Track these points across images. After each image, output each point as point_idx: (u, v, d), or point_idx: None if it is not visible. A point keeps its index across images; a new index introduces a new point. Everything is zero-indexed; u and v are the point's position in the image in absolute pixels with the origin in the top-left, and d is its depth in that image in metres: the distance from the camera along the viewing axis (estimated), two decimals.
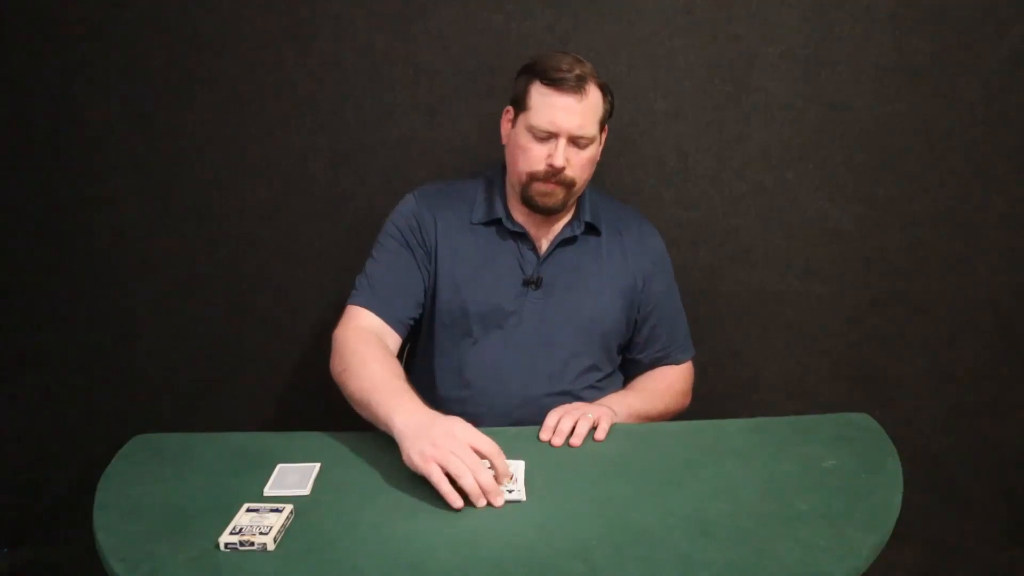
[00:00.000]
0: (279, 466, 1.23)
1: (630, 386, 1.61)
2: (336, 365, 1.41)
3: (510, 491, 1.16)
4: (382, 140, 1.81)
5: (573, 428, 1.33)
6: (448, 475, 1.13)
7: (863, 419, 1.37)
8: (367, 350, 1.39)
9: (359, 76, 1.78)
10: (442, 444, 1.15)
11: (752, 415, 1.41)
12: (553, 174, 1.43)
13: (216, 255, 1.87)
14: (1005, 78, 1.75)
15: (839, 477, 1.19)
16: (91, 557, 1.08)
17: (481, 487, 1.12)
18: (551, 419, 1.35)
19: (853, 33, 1.74)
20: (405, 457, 1.19)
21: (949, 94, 1.76)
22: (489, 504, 1.13)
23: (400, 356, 1.52)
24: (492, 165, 1.60)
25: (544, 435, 1.33)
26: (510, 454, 1.22)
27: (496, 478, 1.15)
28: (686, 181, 1.83)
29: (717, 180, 1.82)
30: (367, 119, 1.80)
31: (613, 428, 1.36)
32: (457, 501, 1.12)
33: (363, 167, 1.82)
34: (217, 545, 1.04)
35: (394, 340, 1.48)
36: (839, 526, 1.07)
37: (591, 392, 1.53)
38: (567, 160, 1.42)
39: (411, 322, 1.52)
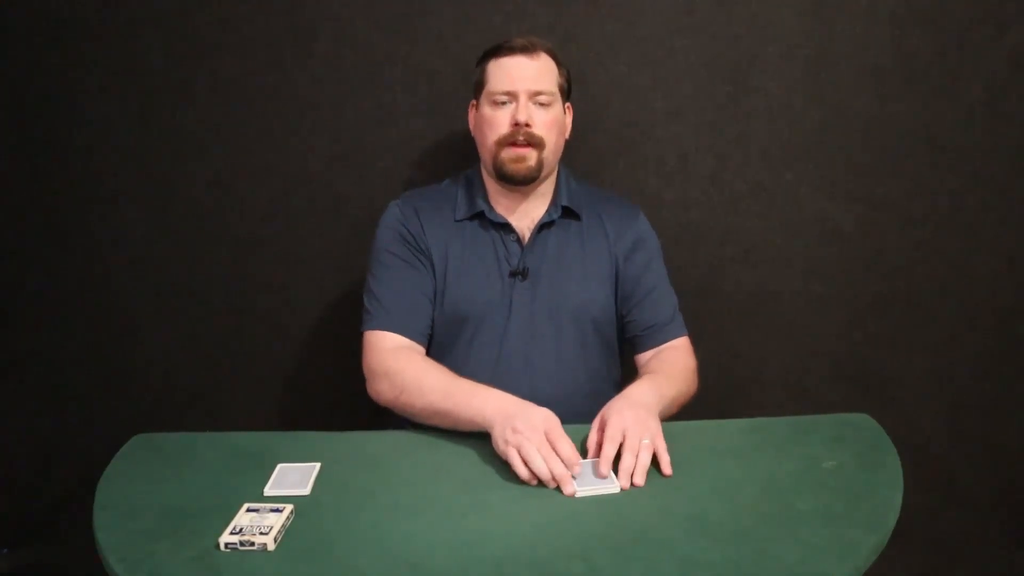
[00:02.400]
0: (279, 466, 1.23)
1: (649, 372, 1.53)
2: (387, 391, 1.42)
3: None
4: (382, 140, 1.81)
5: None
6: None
7: (863, 419, 1.37)
8: (415, 365, 1.42)
9: (359, 76, 1.78)
10: (521, 430, 1.21)
11: (752, 415, 1.41)
12: (519, 133, 1.45)
13: (216, 255, 1.87)
14: (1005, 78, 1.75)
15: (839, 477, 1.19)
16: (91, 557, 1.08)
17: (552, 473, 1.16)
18: (609, 450, 1.21)
19: (853, 33, 1.74)
20: (494, 444, 1.25)
21: (949, 94, 1.76)
22: (560, 490, 1.16)
23: None
24: (469, 167, 1.61)
25: (523, 474, 1.19)
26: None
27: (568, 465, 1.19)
28: (686, 181, 1.83)
29: (717, 180, 1.82)
30: (367, 119, 1.80)
31: None
32: (524, 473, 1.18)
33: (363, 167, 1.82)
34: (217, 545, 1.04)
35: (421, 352, 1.49)
36: (839, 526, 1.07)
37: (589, 381, 1.53)
38: (530, 118, 1.45)
39: (430, 330, 1.51)
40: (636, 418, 1.26)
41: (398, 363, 1.42)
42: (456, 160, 1.79)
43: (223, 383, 1.94)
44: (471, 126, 1.56)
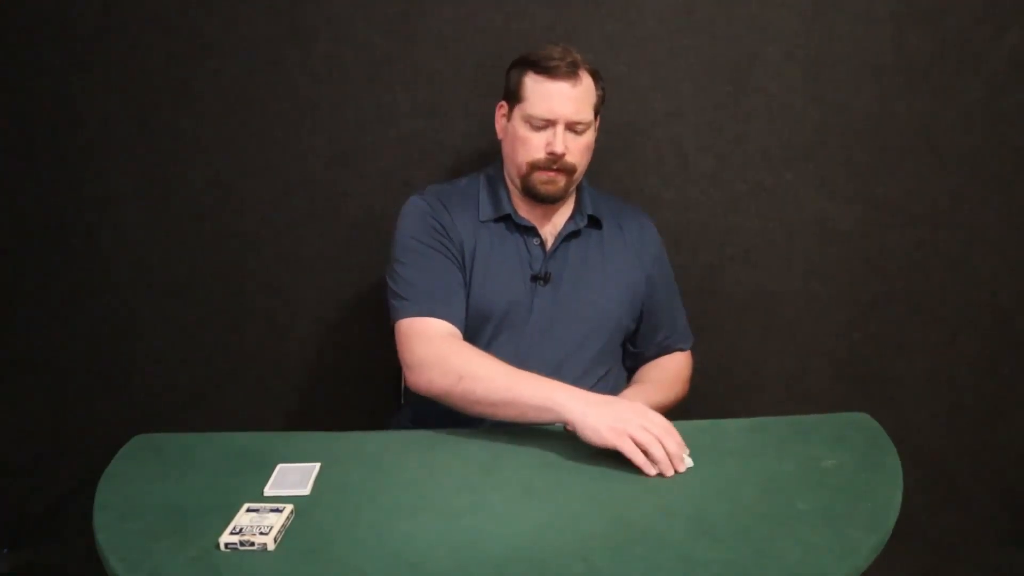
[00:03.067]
0: (279, 466, 1.23)
1: (642, 379, 1.61)
2: (439, 381, 1.35)
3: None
4: (382, 140, 1.81)
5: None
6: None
7: (863, 419, 1.37)
8: (469, 352, 1.38)
9: (359, 76, 1.78)
10: (630, 419, 1.21)
11: (752, 415, 1.41)
12: (554, 161, 1.45)
13: (216, 255, 1.87)
14: (1005, 78, 1.75)
15: (839, 477, 1.19)
16: (91, 557, 1.08)
17: (668, 454, 1.19)
18: (639, 453, 1.21)
19: (853, 33, 1.74)
20: (592, 431, 1.22)
21: (949, 94, 1.76)
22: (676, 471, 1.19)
23: None
24: (488, 164, 1.61)
25: (650, 471, 1.20)
26: (521, 457, 1.23)
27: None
28: (686, 181, 1.83)
29: (717, 180, 1.82)
30: (367, 119, 1.80)
31: None
32: (651, 469, 1.19)
33: (363, 167, 1.82)
34: (217, 545, 1.04)
35: (461, 338, 1.44)
36: (839, 526, 1.07)
37: (599, 388, 1.53)
38: (566, 147, 1.45)
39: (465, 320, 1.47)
40: (645, 414, 1.30)
41: (450, 349, 1.37)
42: (456, 160, 1.80)
43: (223, 383, 1.94)
44: (498, 129, 1.54)
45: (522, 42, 1.71)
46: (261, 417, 1.95)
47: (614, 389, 1.57)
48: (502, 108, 1.52)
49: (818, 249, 1.85)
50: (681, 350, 1.66)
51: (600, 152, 1.81)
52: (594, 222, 1.56)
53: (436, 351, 1.38)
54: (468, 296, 1.49)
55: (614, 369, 1.60)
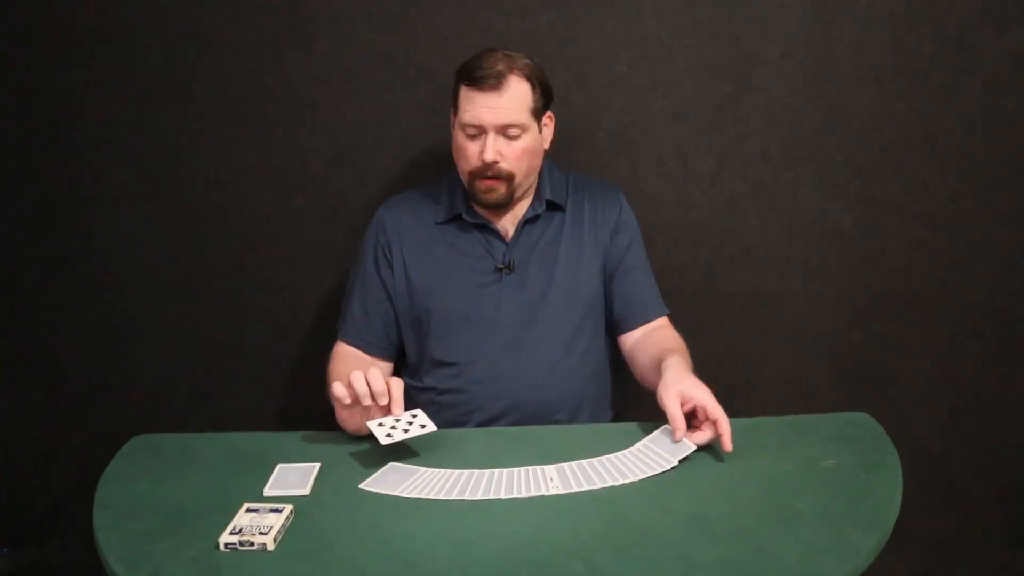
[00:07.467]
0: (279, 466, 1.24)
1: (667, 358, 1.47)
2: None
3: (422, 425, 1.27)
4: (382, 140, 1.81)
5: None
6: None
7: (863, 419, 1.37)
8: (334, 365, 1.55)
9: (359, 76, 1.78)
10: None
11: (752, 415, 1.41)
12: (488, 168, 1.47)
13: (216, 255, 1.87)
14: (1005, 78, 1.75)
15: (839, 477, 1.19)
16: (91, 557, 1.08)
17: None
18: (725, 425, 1.25)
19: (853, 33, 1.74)
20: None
21: (949, 94, 1.76)
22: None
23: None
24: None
25: (727, 443, 1.25)
26: (521, 456, 1.24)
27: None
28: (686, 181, 1.83)
29: (717, 180, 1.82)
30: (367, 119, 1.80)
31: (611, 427, 1.37)
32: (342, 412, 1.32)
33: (363, 167, 1.82)
34: (217, 545, 1.04)
35: (383, 366, 1.57)
36: (839, 526, 1.07)
37: (583, 363, 1.55)
38: (499, 153, 1.46)
39: (394, 344, 1.60)
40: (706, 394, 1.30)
41: (334, 364, 1.55)
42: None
43: (223, 383, 1.94)
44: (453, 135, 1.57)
45: (522, 42, 1.71)
46: (261, 417, 1.95)
47: (598, 364, 1.58)
48: (453, 116, 1.55)
49: (818, 249, 1.85)
50: (659, 315, 1.60)
51: (600, 152, 1.81)
52: (554, 206, 1.58)
53: (332, 366, 1.55)
54: (432, 298, 1.53)
55: (596, 344, 1.60)
